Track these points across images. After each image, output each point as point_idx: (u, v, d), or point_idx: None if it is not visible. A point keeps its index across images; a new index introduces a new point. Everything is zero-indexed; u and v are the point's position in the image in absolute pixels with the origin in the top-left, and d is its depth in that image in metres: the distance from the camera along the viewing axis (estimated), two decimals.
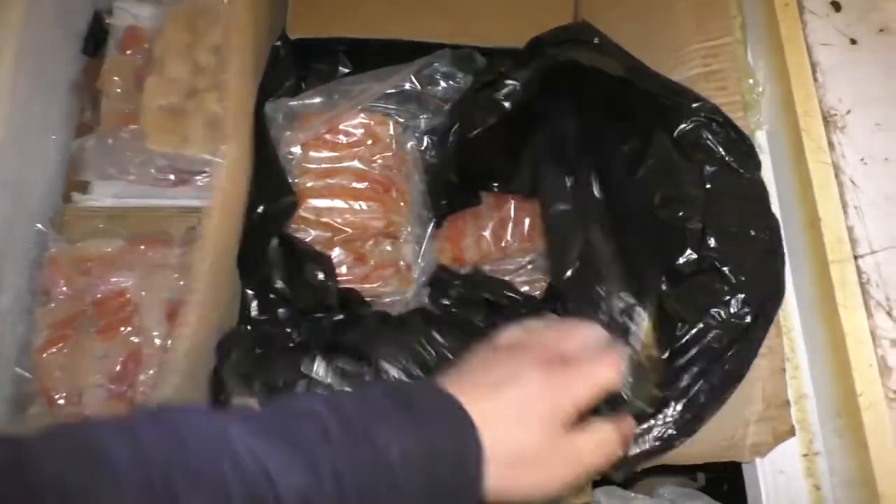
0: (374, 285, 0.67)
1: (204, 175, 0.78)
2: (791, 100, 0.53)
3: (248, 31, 0.71)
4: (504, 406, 0.33)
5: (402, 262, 0.69)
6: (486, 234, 0.71)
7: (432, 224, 0.71)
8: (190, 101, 0.77)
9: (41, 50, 0.77)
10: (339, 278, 0.66)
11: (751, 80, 0.58)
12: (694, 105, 0.57)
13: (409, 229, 0.70)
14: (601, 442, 0.35)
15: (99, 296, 0.70)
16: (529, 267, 0.71)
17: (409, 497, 0.30)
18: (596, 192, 0.60)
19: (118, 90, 0.80)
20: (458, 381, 0.33)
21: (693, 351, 0.51)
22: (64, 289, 0.70)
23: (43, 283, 0.71)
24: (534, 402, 0.33)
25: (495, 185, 0.72)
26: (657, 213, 0.56)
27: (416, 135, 0.73)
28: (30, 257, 0.72)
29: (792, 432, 0.50)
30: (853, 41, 0.55)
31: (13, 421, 0.66)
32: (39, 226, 0.73)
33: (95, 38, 0.83)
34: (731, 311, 0.50)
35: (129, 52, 0.82)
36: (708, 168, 0.56)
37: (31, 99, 0.75)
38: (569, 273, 0.57)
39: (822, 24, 0.55)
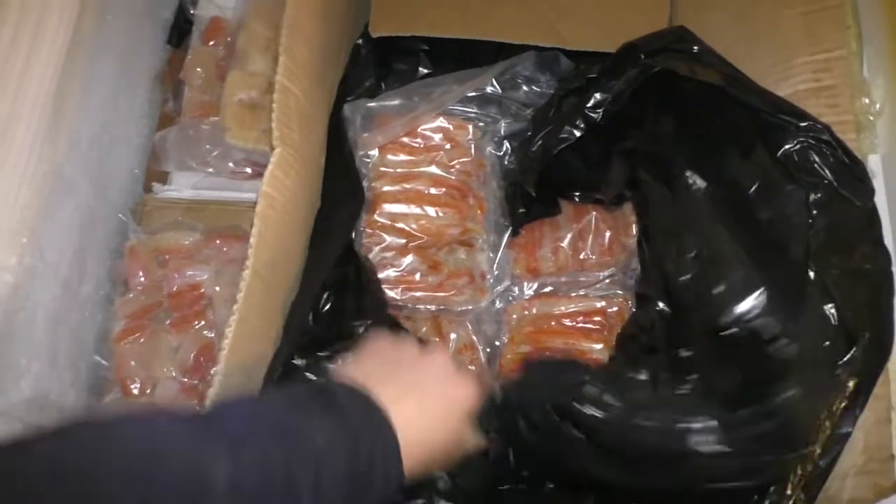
0: (448, 294, 0.66)
1: None
2: None
3: (313, 22, 0.68)
4: (415, 409, 0.40)
5: (476, 271, 0.68)
6: (564, 244, 0.69)
7: (508, 232, 0.69)
8: (269, 95, 0.76)
9: (127, 41, 0.78)
10: (412, 286, 0.65)
11: (866, 99, 0.53)
12: (802, 124, 0.53)
13: (485, 237, 0.68)
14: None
15: (175, 288, 0.71)
16: (607, 281, 0.68)
17: (334, 485, 0.35)
18: (701, 198, 0.56)
19: (200, 81, 0.81)
20: (373, 388, 0.39)
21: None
22: (142, 279, 0.72)
23: (122, 273, 0.72)
24: (435, 408, 0.42)
25: (576, 193, 0.69)
26: (759, 238, 0.53)
27: (496, 139, 0.71)
28: (111, 247, 0.73)
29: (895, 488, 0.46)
30: None
31: (90, 407, 0.68)
32: (121, 216, 0.74)
33: (180, 29, 0.83)
34: (836, 354, 0.47)
35: (212, 43, 0.82)
36: (814, 194, 0.52)
37: (117, 90, 0.76)
38: (687, 276, 0.53)
39: None
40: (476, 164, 0.68)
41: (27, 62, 0.59)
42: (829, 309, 0.47)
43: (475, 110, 0.69)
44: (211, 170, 0.79)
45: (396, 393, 0.39)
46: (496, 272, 0.68)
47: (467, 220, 0.68)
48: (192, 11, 0.83)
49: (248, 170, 0.79)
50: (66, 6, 0.62)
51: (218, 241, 0.73)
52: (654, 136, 0.61)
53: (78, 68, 0.63)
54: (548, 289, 0.69)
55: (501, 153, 0.71)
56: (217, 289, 0.70)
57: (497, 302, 0.69)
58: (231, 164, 0.79)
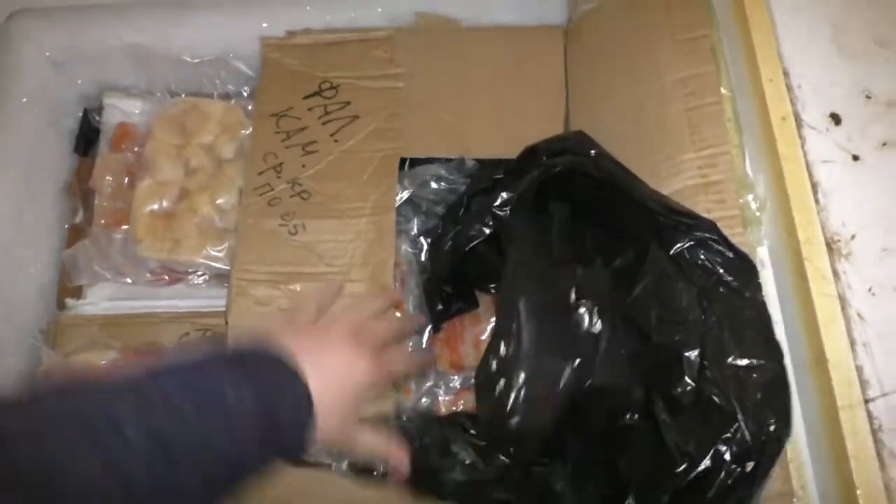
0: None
1: (198, 273, 0.77)
2: (792, 224, 0.51)
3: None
4: (332, 376, 0.44)
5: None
6: (484, 337, 0.69)
7: (428, 330, 0.69)
8: (181, 203, 0.76)
9: (30, 153, 0.77)
10: None
11: (750, 196, 0.56)
12: (690, 222, 0.55)
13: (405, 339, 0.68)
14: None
15: None
16: None
17: (244, 440, 0.37)
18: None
19: (110, 189, 0.80)
20: (296, 351, 0.42)
21: (695, 490, 0.49)
22: None
23: None
24: (351, 378, 0.45)
25: (492, 286, 0.71)
26: (653, 334, 0.54)
27: (411, 237, 0.71)
28: (21, 371, 0.71)
29: None
30: (855, 157, 0.53)
31: None
32: (32, 339, 0.72)
33: (86, 138, 0.82)
34: (734, 448, 0.48)
35: (120, 150, 0.81)
36: (706, 289, 0.54)
37: (21, 205, 0.74)
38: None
39: (822, 140, 0.53)
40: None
41: None
42: (724, 404, 0.49)
43: None
44: (128, 280, 0.78)
45: (299, 350, 0.42)
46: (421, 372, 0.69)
47: None
48: (97, 118, 0.82)
49: (166, 277, 0.78)
50: None
51: (135, 359, 0.71)
52: (555, 232, 0.63)
53: None
54: (472, 381, 0.70)
55: (417, 250, 0.71)
56: None
57: (424, 399, 0.69)
58: (148, 274, 0.77)
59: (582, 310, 0.58)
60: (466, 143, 0.70)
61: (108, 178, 0.80)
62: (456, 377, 0.70)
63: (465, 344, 0.69)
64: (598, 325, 0.57)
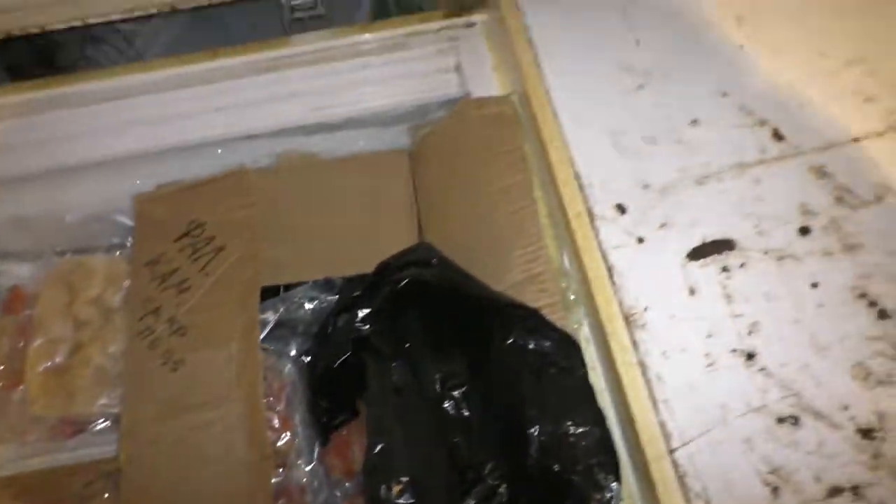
0: None
1: (100, 421, 0.81)
2: (594, 304, 0.59)
3: None
4: None
5: (294, 489, 0.72)
6: None
7: (317, 444, 0.74)
8: (74, 357, 0.80)
9: None
10: None
11: (564, 284, 0.65)
12: (519, 312, 0.63)
13: (297, 453, 0.73)
14: None
15: None
16: None
17: None
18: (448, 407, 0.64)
19: (6, 350, 0.83)
20: None
21: None
22: None
23: None
24: None
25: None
26: (503, 420, 0.61)
27: (292, 357, 0.77)
28: None
29: None
30: (640, 240, 0.62)
31: None
32: None
33: None
34: None
35: (14, 312, 0.85)
36: (540, 370, 0.61)
37: None
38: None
39: (612, 228, 0.62)
40: (275, 388, 0.74)
41: None
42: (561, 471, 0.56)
43: (266, 339, 0.76)
44: (30, 437, 0.80)
45: None
46: (315, 484, 0.73)
47: (277, 441, 0.73)
48: None
49: (68, 429, 0.81)
50: None
51: None
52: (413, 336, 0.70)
53: None
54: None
55: (299, 369, 0.77)
56: None
57: None
58: (48, 429, 0.80)
59: (448, 400, 0.65)
60: (330, 263, 0.77)
61: (4, 340, 0.84)
62: (348, 484, 0.74)
63: (353, 451, 0.74)
64: (465, 411, 0.64)
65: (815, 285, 0.60)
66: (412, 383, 0.68)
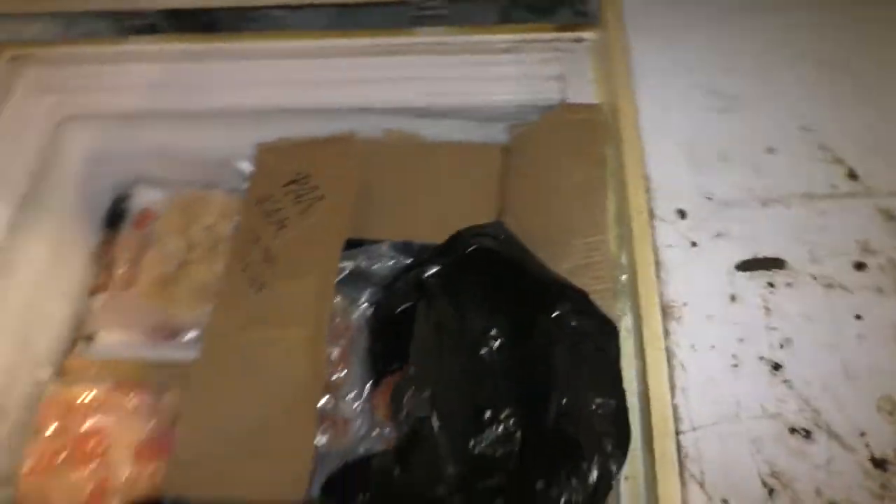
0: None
1: (191, 332, 0.92)
2: (637, 294, 0.63)
3: None
4: None
5: (340, 417, 0.80)
6: None
7: (369, 384, 0.81)
8: (182, 270, 0.92)
9: (67, 225, 0.95)
10: None
11: (618, 276, 0.69)
12: (569, 293, 0.68)
13: (349, 388, 0.81)
14: None
15: (81, 432, 0.82)
16: None
17: None
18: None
19: (128, 257, 0.97)
20: None
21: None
22: (54, 425, 0.83)
23: (37, 420, 0.83)
24: None
25: None
26: (535, 385, 0.66)
27: (363, 305, 0.85)
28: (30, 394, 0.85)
29: None
30: (694, 244, 0.66)
31: None
32: (43, 372, 0.87)
33: (115, 216, 1.01)
34: (579, 471, 0.58)
35: (140, 228, 0.99)
36: (576, 346, 0.66)
37: (54, 264, 0.92)
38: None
39: (669, 230, 0.66)
40: (342, 328, 0.83)
41: None
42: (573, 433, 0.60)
43: (345, 283, 0.84)
44: (132, 331, 0.93)
45: None
46: (359, 420, 0.80)
47: (334, 373, 0.81)
48: (126, 203, 1.01)
49: (164, 333, 0.93)
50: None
51: (123, 393, 0.85)
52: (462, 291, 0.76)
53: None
54: None
55: (366, 317, 0.85)
56: (117, 434, 0.81)
57: (362, 446, 0.80)
58: (149, 327, 0.93)
59: (485, 347, 0.71)
60: (412, 229, 0.85)
61: (128, 248, 0.97)
62: (388, 429, 0.81)
63: None
64: (499, 361, 0.70)
65: (858, 317, 0.61)
66: (457, 326, 0.74)
